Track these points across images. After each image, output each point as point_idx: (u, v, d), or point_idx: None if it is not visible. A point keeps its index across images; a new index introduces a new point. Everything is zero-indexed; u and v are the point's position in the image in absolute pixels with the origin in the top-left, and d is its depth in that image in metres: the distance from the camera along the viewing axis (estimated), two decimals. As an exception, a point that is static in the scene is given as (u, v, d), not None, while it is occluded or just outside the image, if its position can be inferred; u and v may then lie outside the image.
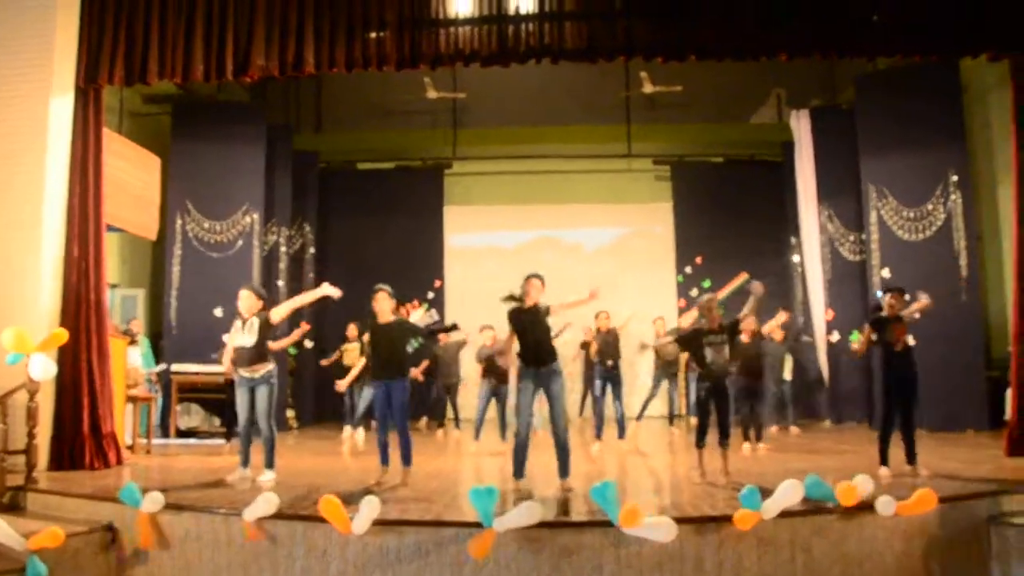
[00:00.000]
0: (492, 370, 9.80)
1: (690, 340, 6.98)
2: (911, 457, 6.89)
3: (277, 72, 7.79)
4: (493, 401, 9.90)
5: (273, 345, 8.47)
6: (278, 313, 7.21)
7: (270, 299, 7.78)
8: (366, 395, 10.00)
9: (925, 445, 8.66)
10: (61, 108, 8.00)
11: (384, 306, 6.97)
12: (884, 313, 7.07)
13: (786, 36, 7.63)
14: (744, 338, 8.90)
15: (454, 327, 8.60)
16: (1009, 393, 10.57)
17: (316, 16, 7.74)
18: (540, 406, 10.09)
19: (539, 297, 6.59)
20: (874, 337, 7.08)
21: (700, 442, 6.90)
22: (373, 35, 7.71)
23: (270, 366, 7.07)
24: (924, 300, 7.12)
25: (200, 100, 12.85)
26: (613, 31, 7.53)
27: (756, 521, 4.96)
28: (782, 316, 9.47)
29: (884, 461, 6.87)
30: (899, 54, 8.06)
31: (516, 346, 6.76)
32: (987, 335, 11.34)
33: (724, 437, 6.79)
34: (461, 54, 7.70)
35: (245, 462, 7.05)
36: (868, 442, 9.87)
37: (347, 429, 10.93)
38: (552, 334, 6.66)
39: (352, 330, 11.34)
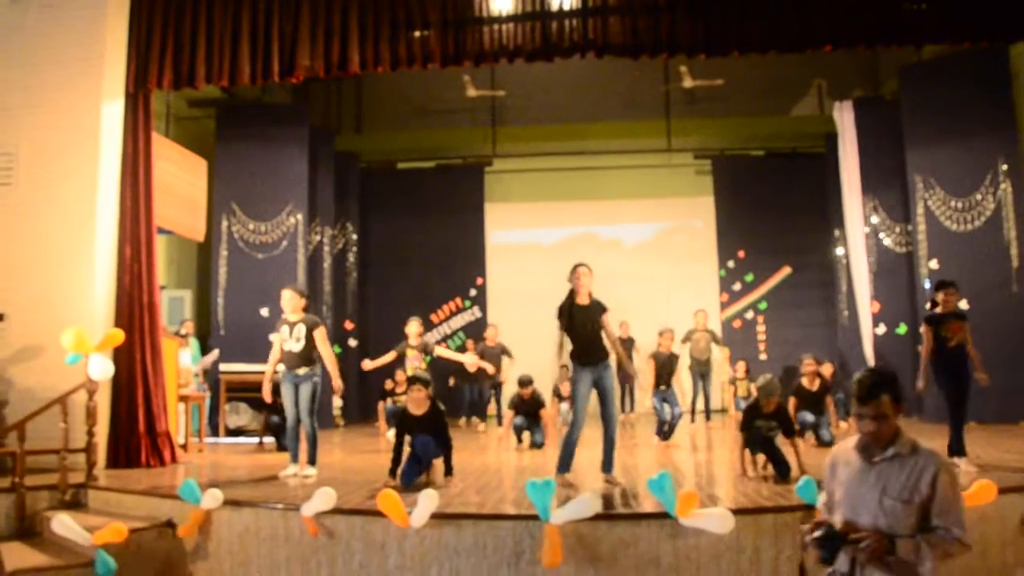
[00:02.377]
0: (527, 413, 9.68)
1: (747, 411, 6.91)
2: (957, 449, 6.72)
3: (323, 72, 7.87)
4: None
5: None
6: (321, 340, 7.23)
7: (311, 299, 7.93)
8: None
9: (978, 437, 8.59)
10: (112, 113, 8.16)
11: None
12: (939, 309, 6.93)
13: (830, 27, 7.54)
14: (805, 382, 9.11)
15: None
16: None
17: (360, 16, 7.81)
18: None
19: (591, 286, 6.51)
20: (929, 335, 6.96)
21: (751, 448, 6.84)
22: (417, 34, 7.75)
23: (315, 365, 7.21)
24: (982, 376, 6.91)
25: (244, 103, 13.01)
26: (656, 26, 7.50)
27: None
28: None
29: (959, 450, 6.63)
30: (948, 41, 7.89)
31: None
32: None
33: (783, 474, 6.44)
34: (505, 50, 7.72)
35: (295, 458, 7.15)
36: (915, 434, 9.78)
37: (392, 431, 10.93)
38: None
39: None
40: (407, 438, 6.72)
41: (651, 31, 7.50)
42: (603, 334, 6.53)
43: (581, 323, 6.46)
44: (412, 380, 6.87)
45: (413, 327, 9.52)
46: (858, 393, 3.00)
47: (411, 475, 6.46)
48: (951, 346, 6.82)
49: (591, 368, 6.42)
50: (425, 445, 6.57)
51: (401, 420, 6.81)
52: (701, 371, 11.81)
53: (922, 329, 7.10)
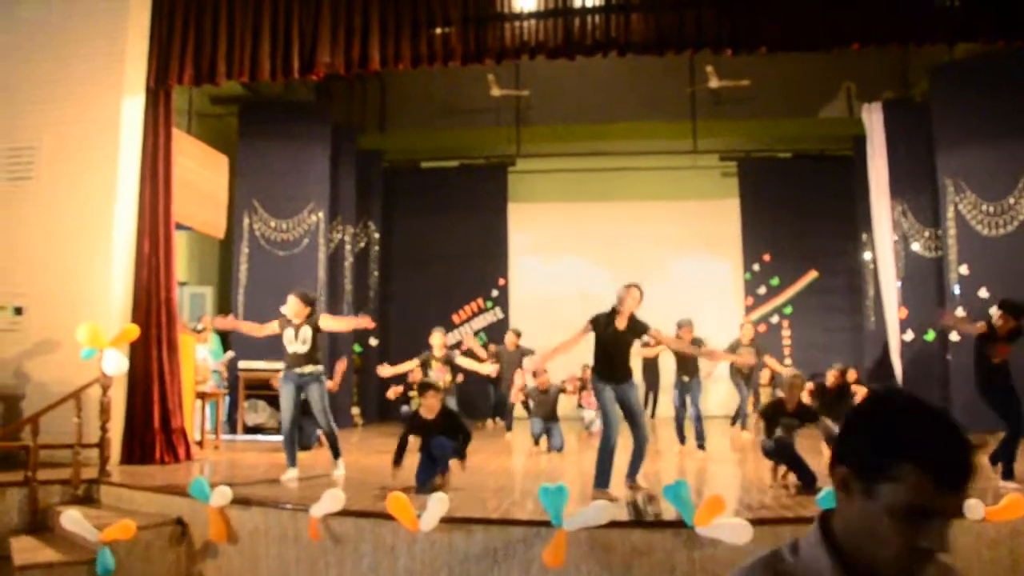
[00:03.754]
0: (541, 406, 9.57)
1: (768, 412, 6.77)
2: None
3: (343, 69, 7.83)
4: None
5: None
6: (326, 321, 7.34)
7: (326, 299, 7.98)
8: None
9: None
10: (132, 109, 8.17)
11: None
12: (996, 328, 6.63)
13: (859, 24, 7.38)
14: (828, 385, 8.85)
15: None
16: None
17: (381, 13, 7.76)
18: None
19: (635, 309, 6.33)
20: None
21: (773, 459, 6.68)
22: (438, 31, 7.69)
23: (320, 365, 7.15)
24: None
25: (266, 100, 13.00)
26: (681, 22, 7.38)
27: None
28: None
29: (1009, 474, 6.34)
30: (980, 39, 7.69)
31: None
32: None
33: (809, 484, 6.22)
34: (527, 47, 7.64)
35: (293, 461, 7.03)
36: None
37: None
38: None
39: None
40: (418, 439, 6.67)
41: (675, 27, 7.38)
42: (629, 355, 6.37)
43: (613, 343, 6.31)
44: (424, 387, 6.77)
45: (437, 338, 9.39)
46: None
47: (426, 476, 6.36)
48: (996, 363, 6.58)
49: (613, 384, 6.23)
50: (443, 446, 6.47)
51: (412, 422, 6.77)
52: (743, 380, 11.29)
53: (979, 324, 6.81)
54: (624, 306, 6.29)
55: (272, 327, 7.26)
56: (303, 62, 7.89)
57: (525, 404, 10.35)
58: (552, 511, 4.72)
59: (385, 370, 9.18)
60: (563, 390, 9.36)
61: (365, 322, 7.60)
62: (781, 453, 6.47)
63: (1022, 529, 5.07)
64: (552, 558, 4.62)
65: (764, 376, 12.98)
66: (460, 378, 9.80)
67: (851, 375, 10.67)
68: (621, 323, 6.30)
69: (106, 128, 8.02)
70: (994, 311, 6.73)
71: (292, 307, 7.17)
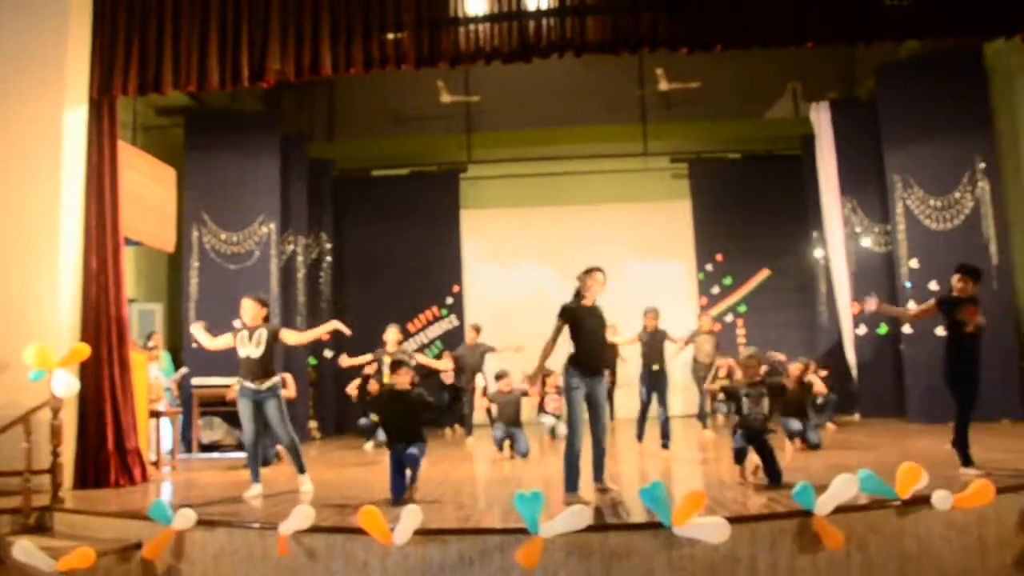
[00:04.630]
0: (504, 410, 9.51)
1: (731, 393, 6.80)
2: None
3: (293, 76, 7.66)
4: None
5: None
6: (290, 336, 7.22)
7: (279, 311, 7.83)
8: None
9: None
10: (75, 121, 7.91)
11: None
12: (954, 294, 6.55)
13: (811, 23, 7.47)
14: (789, 384, 8.78)
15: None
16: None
17: (332, 18, 7.62)
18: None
19: (600, 293, 6.21)
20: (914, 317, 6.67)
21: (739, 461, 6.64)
22: (391, 36, 7.58)
23: (276, 378, 6.99)
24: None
25: (213, 111, 12.74)
26: (637, 23, 7.38)
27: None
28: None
29: (967, 460, 6.29)
30: (929, 36, 7.86)
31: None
32: (1018, 323, 11.10)
33: (775, 480, 6.21)
34: (481, 52, 7.56)
35: (256, 477, 6.88)
36: (900, 435, 9.74)
37: (369, 444, 10.70)
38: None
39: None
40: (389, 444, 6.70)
41: (631, 27, 7.37)
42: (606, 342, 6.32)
43: (591, 328, 6.15)
44: (396, 364, 6.82)
45: (391, 334, 9.46)
46: None
47: (399, 489, 6.25)
48: (968, 331, 6.39)
49: (589, 379, 6.07)
50: (413, 457, 6.39)
51: (376, 405, 7.10)
52: (703, 374, 11.50)
53: (929, 303, 6.81)
54: (589, 291, 6.19)
55: (226, 338, 7.08)
56: (253, 69, 7.71)
57: (488, 412, 10.26)
58: (528, 519, 4.64)
59: (345, 360, 9.44)
60: (526, 393, 9.30)
61: (330, 327, 7.41)
62: (751, 439, 6.45)
63: (989, 515, 5.13)
64: (526, 559, 4.56)
65: (723, 370, 13.06)
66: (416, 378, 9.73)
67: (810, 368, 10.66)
68: (589, 303, 6.21)
69: (48, 141, 7.74)
70: (954, 278, 6.59)
71: (248, 310, 7.02)
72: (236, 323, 11.32)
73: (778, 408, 8.64)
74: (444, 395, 12.72)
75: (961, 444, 6.37)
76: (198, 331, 7.38)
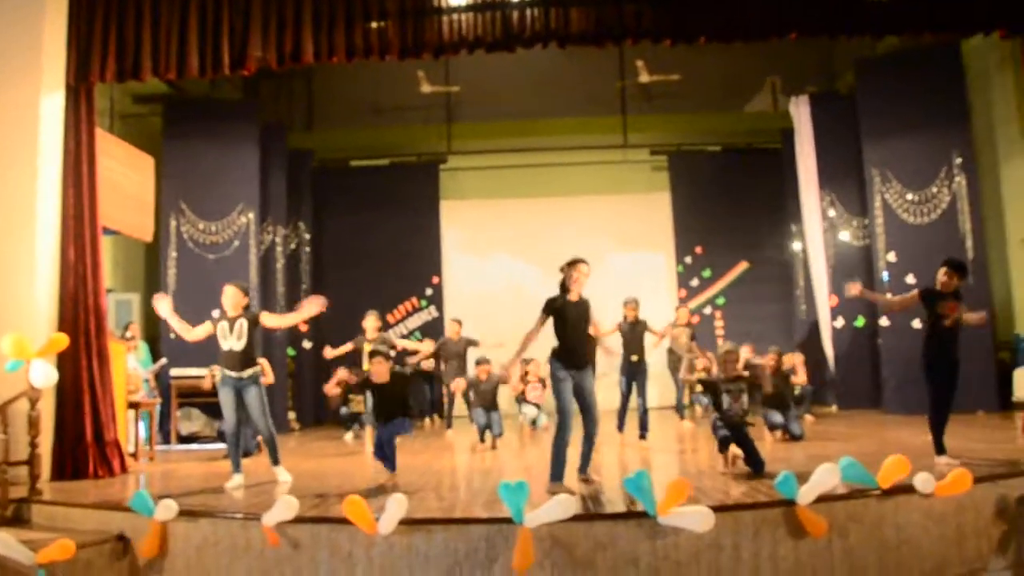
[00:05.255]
0: (480, 397, 9.56)
1: (710, 387, 6.85)
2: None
3: (275, 64, 7.60)
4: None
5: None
6: (269, 319, 7.26)
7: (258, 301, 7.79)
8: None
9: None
10: (52, 108, 7.77)
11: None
12: (938, 287, 6.57)
13: (794, 16, 7.55)
14: (766, 385, 8.81)
15: None
16: (1018, 374, 10.59)
17: (314, 5, 7.55)
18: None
19: (584, 284, 6.16)
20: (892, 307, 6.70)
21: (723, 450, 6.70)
22: (374, 25, 7.53)
23: (257, 368, 6.96)
24: (978, 316, 6.72)
25: (192, 99, 12.61)
26: (621, 14, 7.39)
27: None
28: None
29: (941, 449, 6.37)
30: (909, 32, 7.94)
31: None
32: (994, 316, 11.24)
33: (757, 470, 6.27)
34: (465, 41, 7.53)
35: (238, 467, 6.83)
36: (879, 426, 9.84)
37: (349, 434, 10.67)
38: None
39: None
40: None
41: (614, 18, 7.39)
42: (589, 335, 6.28)
43: (574, 322, 6.12)
44: (373, 354, 7.05)
45: (371, 321, 9.51)
46: None
47: (383, 452, 6.80)
48: (947, 324, 6.46)
49: (575, 371, 6.05)
50: (404, 425, 6.85)
51: (363, 387, 7.27)
52: (678, 366, 11.52)
53: (912, 293, 6.84)
54: (575, 283, 6.14)
55: (206, 327, 7.02)
56: (234, 57, 7.62)
57: (466, 396, 10.27)
58: (513, 508, 4.64)
59: (329, 352, 9.63)
60: (503, 380, 9.32)
61: (314, 308, 7.18)
62: (732, 432, 6.51)
63: (967, 504, 5.20)
64: (521, 562, 4.53)
65: (700, 363, 13.11)
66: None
67: (787, 360, 10.71)
68: (574, 297, 6.16)
69: (25, 128, 7.59)
70: (940, 272, 6.61)
71: (230, 298, 6.93)
72: (215, 313, 11.31)
73: (759, 401, 8.76)
74: (426, 389, 12.71)
75: (936, 433, 6.46)
76: (163, 306, 7.19)
